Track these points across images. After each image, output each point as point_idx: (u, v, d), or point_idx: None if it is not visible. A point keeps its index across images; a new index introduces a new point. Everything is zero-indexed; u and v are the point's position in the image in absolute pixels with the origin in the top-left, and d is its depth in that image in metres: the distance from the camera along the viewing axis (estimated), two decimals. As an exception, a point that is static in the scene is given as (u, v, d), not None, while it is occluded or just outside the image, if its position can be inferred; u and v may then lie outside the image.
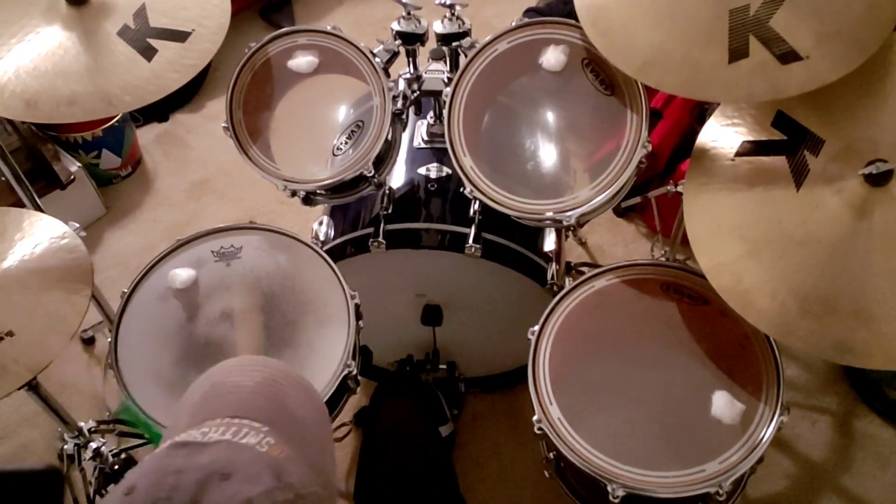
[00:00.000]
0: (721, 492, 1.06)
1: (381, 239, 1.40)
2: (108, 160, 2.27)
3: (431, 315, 1.61)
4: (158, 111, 2.53)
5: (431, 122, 1.56)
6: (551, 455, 1.22)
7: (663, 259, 1.32)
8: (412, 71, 1.47)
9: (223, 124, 1.33)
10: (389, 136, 1.32)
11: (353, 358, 1.22)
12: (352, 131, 1.33)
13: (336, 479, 0.61)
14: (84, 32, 1.21)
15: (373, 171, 1.31)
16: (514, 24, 1.29)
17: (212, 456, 0.55)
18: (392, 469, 1.52)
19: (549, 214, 1.24)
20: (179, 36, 1.23)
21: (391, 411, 1.62)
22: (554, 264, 1.45)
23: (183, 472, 0.53)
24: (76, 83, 1.17)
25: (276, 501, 0.53)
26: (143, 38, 1.22)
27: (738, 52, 1.06)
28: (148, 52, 1.21)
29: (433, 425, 1.63)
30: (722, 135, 1.17)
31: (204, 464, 0.54)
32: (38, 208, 1.59)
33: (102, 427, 1.51)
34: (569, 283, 1.27)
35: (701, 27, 1.09)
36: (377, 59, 1.33)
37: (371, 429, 1.63)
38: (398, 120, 1.37)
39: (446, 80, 1.45)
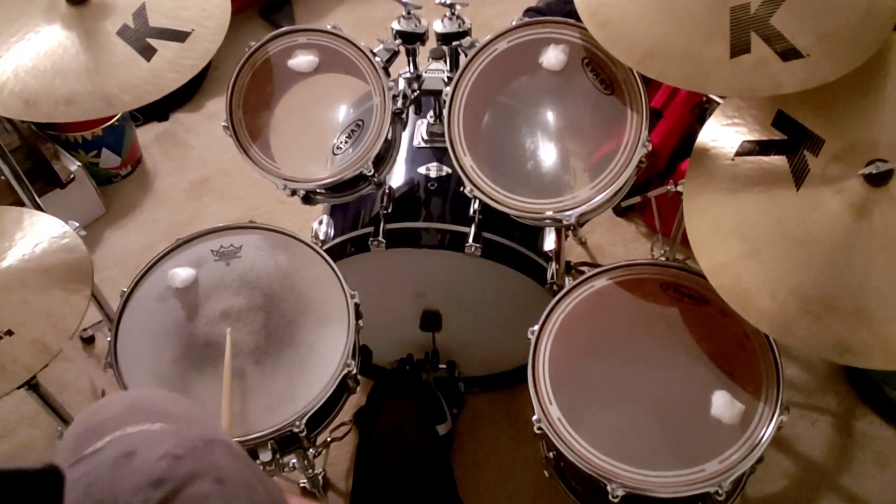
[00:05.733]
0: (721, 491, 1.06)
1: (381, 238, 1.40)
2: (108, 159, 2.27)
3: (430, 321, 1.61)
4: (158, 110, 2.53)
5: (431, 121, 1.56)
6: (551, 455, 1.22)
7: (663, 259, 1.32)
8: (412, 70, 1.46)
9: (223, 123, 1.33)
10: (389, 136, 1.32)
11: (353, 357, 1.22)
12: (352, 130, 1.33)
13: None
14: (84, 32, 1.22)
15: (373, 171, 1.31)
16: (514, 23, 1.29)
17: (110, 450, 0.54)
18: (389, 468, 1.52)
19: (549, 214, 1.24)
20: (179, 36, 1.23)
21: (388, 410, 1.62)
22: (554, 264, 1.45)
23: (88, 473, 0.53)
24: (75, 82, 1.17)
25: (192, 447, 0.54)
26: (142, 38, 1.22)
27: (739, 48, 1.06)
28: (147, 52, 1.21)
29: (431, 424, 1.62)
30: (722, 134, 1.17)
31: (107, 457, 0.54)
32: (38, 207, 1.59)
33: (102, 426, 1.50)
34: (569, 282, 1.27)
35: (702, 23, 1.09)
36: (377, 59, 1.33)
37: (368, 428, 1.63)
38: (398, 119, 1.37)
39: (446, 80, 1.45)
